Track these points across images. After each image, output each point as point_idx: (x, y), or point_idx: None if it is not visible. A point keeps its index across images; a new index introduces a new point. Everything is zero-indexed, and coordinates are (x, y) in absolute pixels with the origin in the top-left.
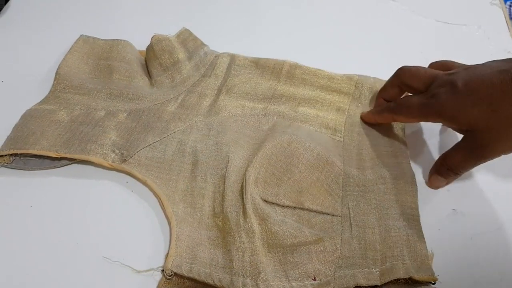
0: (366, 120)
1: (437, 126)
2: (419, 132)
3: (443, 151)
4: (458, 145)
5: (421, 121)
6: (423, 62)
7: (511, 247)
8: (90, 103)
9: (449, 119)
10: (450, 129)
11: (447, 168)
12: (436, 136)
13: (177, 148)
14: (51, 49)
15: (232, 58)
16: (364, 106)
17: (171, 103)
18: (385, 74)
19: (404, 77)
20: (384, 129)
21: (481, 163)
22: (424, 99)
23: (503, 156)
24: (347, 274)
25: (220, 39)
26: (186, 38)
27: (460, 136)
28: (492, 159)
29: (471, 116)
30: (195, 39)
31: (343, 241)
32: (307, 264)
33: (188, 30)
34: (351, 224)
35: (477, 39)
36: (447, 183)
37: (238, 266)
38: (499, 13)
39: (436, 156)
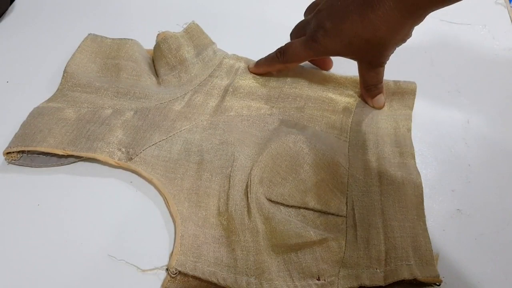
0: (256, 72)
1: (443, 125)
2: (425, 133)
3: (449, 151)
4: (363, 71)
5: (306, 59)
6: (428, 62)
7: None
8: (97, 101)
9: (335, 55)
10: (456, 131)
11: (374, 87)
12: (443, 137)
13: (183, 147)
14: (58, 48)
15: (240, 60)
16: (370, 106)
17: (177, 102)
18: (390, 74)
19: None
20: (390, 129)
21: (382, 70)
22: (307, 44)
23: (508, 157)
24: (351, 274)
25: (227, 38)
26: (195, 33)
27: None
28: (384, 64)
29: (351, 50)
30: (204, 34)
31: (347, 241)
32: (311, 264)
33: (197, 25)
34: (355, 225)
35: (481, 38)
36: (383, 94)
37: (242, 265)
38: (504, 13)
39: (442, 156)
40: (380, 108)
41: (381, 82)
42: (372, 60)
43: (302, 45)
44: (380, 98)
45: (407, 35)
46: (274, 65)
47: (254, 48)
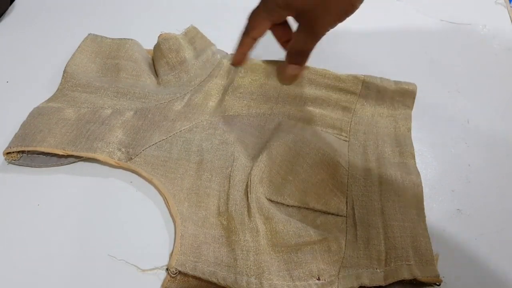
0: (236, 60)
1: (443, 125)
2: (425, 133)
3: (449, 151)
4: (296, 32)
5: (269, 22)
6: (428, 61)
7: None
8: (97, 101)
9: (281, 5)
10: (456, 131)
11: (296, 53)
12: (443, 137)
13: (183, 147)
14: (58, 48)
15: None
16: (371, 105)
17: (177, 102)
18: (391, 73)
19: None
20: (390, 129)
21: (318, 39)
22: (261, 4)
23: (508, 157)
24: (351, 274)
25: (227, 39)
26: (194, 36)
27: None
28: (324, 33)
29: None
30: (203, 37)
31: (347, 241)
32: (311, 263)
33: (196, 28)
34: (355, 224)
35: (481, 38)
36: (302, 70)
37: (242, 265)
38: (504, 12)
39: (442, 156)
40: (288, 76)
41: (310, 52)
42: (316, 22)
43: (257, 6)
44: (296, 69)
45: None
46: (242, 42)
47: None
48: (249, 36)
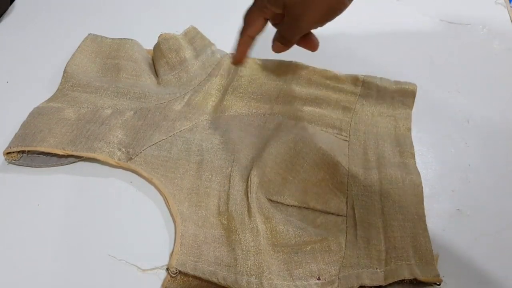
0: (237, 60)
1: (443, 125)
2: (425, 133)
3: (449, 151)
4: (284, 21)
5: (263, 20)
6: (428, 61)
7: None
8: (97, 101)
9: (271, 1)
10: (456, 131)
11: (282, 37)
12: (443, 137)
13: (183, 147)
14: (58, 48)
15: None
16: (371, 105)
17: (177, 102)
18: (391, 73)
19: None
20: (390, 128)
21: (302, 32)
22: (254, 2)
23: (508, 157)
24: (351, 274)
25: (227, 38)
26: (194, 36)
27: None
28: (308, 29)
29: None
30: (203, 37)
31: (347, 241)
32: (311, 263)
33: (196, 28)
34: (356, 224)
35: (481, 38)
36: (285, 49)
37: (243, 265)
38: (504, 13)
39: (442, 156)
40: (273, 51)
41: (292, 41)
42: (301, 18)
43: (251, 5)
44: (279, 47)
45: None
46: (240, 42)
47: (254, 49)
48: (246, 34)
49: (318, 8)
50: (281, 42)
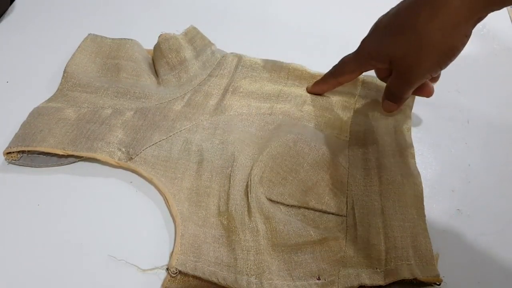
0: (313, 92)
1: (443, 125)
2: (425, 133)
3: (449, 151)
4: (392, 76)
5: (359, 72)
6: None
7: None
8: (97, 101)
9: (374, 57)
10: (456, 131)
11: (392, 94)
12: (443, 137)
13: (183, 147)
14: (58, 48)
15: (239, 58)
16: (371, 105)
17: (177, 102)
18: None
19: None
20: (390, 128)
21: (414, 85)
22: (355, 53)
23: (508, 157)
24: (351, 274)
25: (227, 39)
26: (194, 36)
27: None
28: (421, 80)
29: (390, 48)
30: (203, 37)
31: (347, 241)
32: (311, 263)
33: (196, 28)
34: (356, 224)
35: (481, 38)
36: (398, 106)
37: (243, 265)
38: (504, 13)
39: (442, 156)
40: (384, 111)
41: (404, 97)
42: (411, 71)
43: (350, 54)
44: (391, 106)
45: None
46: (327, 81)
47: (254, 48)
48: (336, 79)
49: (429, 59)
50: (392, 100)
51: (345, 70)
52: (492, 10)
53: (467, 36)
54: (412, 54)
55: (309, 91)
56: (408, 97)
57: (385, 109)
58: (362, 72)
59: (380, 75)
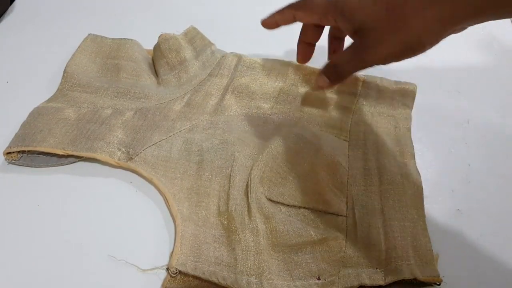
0: (265, 22)
1: (443, 125)
2: (425, 133)
3: (449, 151)
4: (347, 47)
5: (320, 19)
6: (427, 62)
7: None
8: (97, 101)
9: (347, 15)
10: (456, 131)
11: (332, 66)
12: (443, 137)
13: (183, 147)
14: (58, 48)
15: (239, 58)
16: (371, 105)
17: (177, 102)
18: (391, 73)
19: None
20: (390, 128)
21: (363, 67)
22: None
23: (508, 157)
24: (351, 274)
25: (227, 39)
26: (194, 36)
27: None
28: (374, 64)
29: (367, 12)
30: (203, 37)
31: (348, 241)
32: (311, 263)
33: (196, 28)
34: (356, 224)
35: (481, 39)
36: (330, 86)
37: (243, 265)
38: None
39: (442, 156)
40: (314, 85)
41: (347, 74)
42: (370, 47)
43: None
44: (323, 82)
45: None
46: (283, 13)
47: (254, 48)
48: (292, 11)
49: (393, 42)
50: (330, 76)
51: (308, 11)
52: (470, 24)
53: (437, 40)
54: (380, 29)
55: (263, 22)
56: (345, 79)
57: (317, 83)
58: (321, 23)
59: (332, 47)
